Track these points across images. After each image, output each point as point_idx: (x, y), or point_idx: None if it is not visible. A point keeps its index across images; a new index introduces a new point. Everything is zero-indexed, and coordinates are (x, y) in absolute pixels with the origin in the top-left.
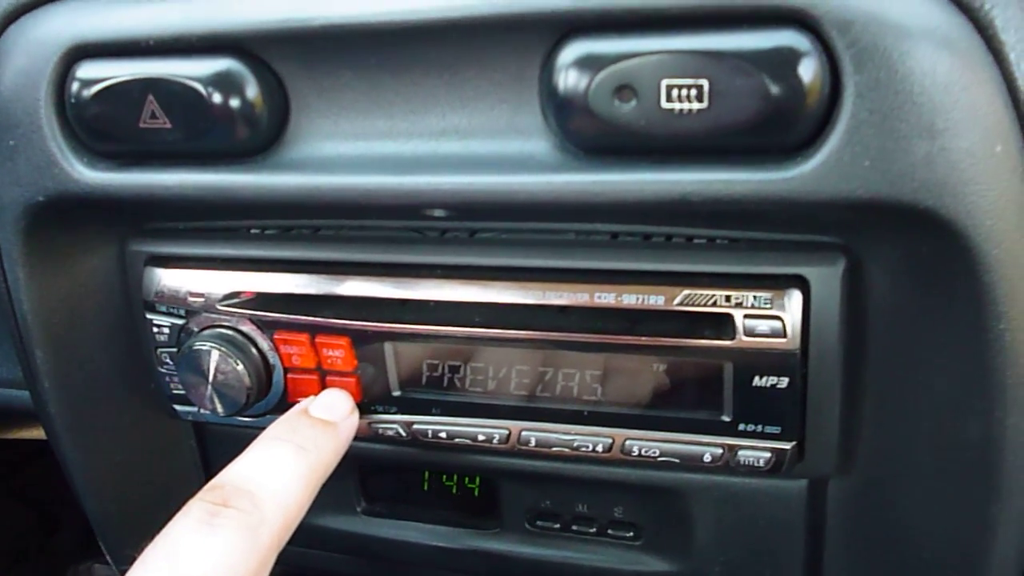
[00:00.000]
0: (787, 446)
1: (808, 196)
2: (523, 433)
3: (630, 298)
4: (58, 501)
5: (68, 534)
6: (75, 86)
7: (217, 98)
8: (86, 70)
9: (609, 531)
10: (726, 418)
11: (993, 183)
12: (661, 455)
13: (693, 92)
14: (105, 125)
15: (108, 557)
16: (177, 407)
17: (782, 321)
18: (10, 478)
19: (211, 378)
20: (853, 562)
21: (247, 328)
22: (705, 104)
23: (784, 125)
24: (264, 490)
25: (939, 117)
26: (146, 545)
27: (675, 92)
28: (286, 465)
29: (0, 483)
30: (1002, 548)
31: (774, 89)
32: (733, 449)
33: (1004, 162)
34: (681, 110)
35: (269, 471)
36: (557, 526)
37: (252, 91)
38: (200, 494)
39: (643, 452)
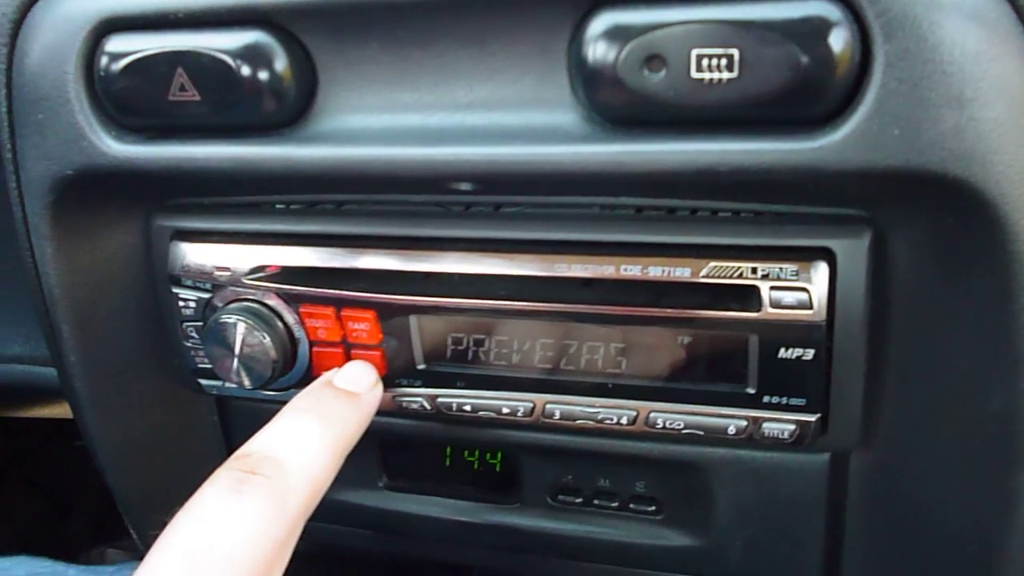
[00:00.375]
0: (811, 418)
1: (837, 166)
2: (547, 406)
3: (656, 270)
4: (70, 487)
5: (80, 520)
6: (104, 60)
7: (246, 71)
8: (115, 44)
9: (631, 506)
10: (751, 390)
11: (1021, 152)
12: (685, 427)
13: (723, 62)
14: (134, 98)
15: (132, 532)
16: (202, 381)
17: (808, 293)
18: (22, 464)
19: (237, 351)
20: (874, 537)
21: (273, 302)
22: (735, 74)
23: (814, 95)
24: (291, 459)
25: (968, 87)
26: (170, 519)
27: (705, 62)
28: (312, 435)
29: (13, 469)
30: (1023, 521)
31: (804, 58)
32: (757, 421)
33: None
34: (711, 80)
35: (295, 441)
36: (579, 501)
37: (281, 64)
38: (227, 463)
39: (667, 424)
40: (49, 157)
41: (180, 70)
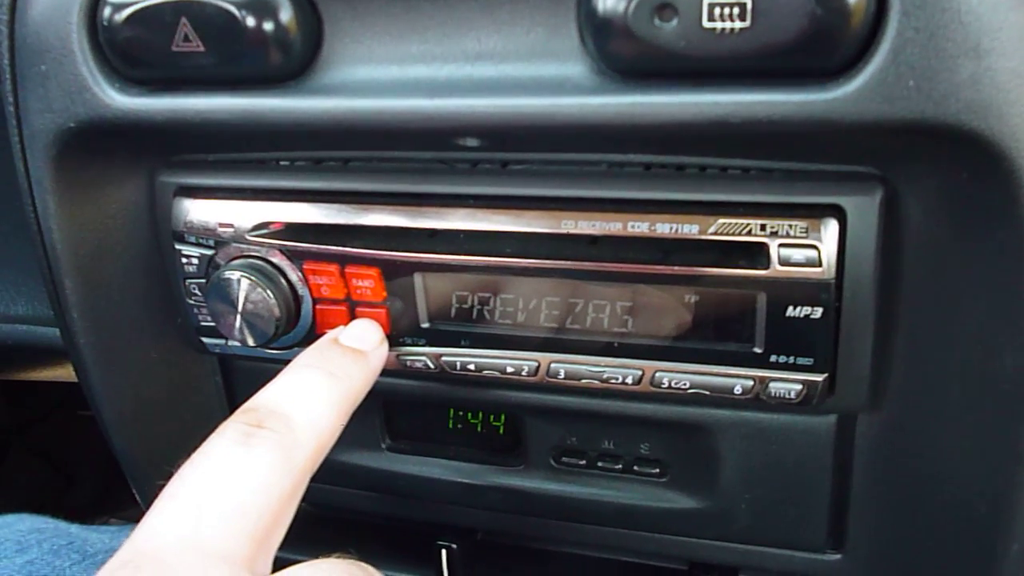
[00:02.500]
0: (819, 378)
1: (851, 117)
2: (552, 365)
3: (664, 227)
4: (75, 457)
5: (84, 491)
6: (107, 10)
7: (251, 21)
8: None
9: (634, 468)
10: (758, 350)
11: None
12: (691, 387)
13: (736, 11)
14: (137, 49)
15: (136, 494)
16: (205, 340)
17: (818, 250)
18: (28, 433)
19: (240, 307)
20: (880, 500)
21: (277, 259)
22: (748, 23)
23: (828, 45)
24: (297, 414)
25: (986, 37)
26: (176, 470)
27: (717, 11)
28: (318, 390)
29: (18, 438)
30: None
31: (819, 7)
32: (764, 381)
33: None
34: (723, 29)
35: (301, 396)
36: (582, 463)
37: (286, 15)
38: (234, 416)
39: (673, 384)
40: (52, 109)
41: (184, 20)
